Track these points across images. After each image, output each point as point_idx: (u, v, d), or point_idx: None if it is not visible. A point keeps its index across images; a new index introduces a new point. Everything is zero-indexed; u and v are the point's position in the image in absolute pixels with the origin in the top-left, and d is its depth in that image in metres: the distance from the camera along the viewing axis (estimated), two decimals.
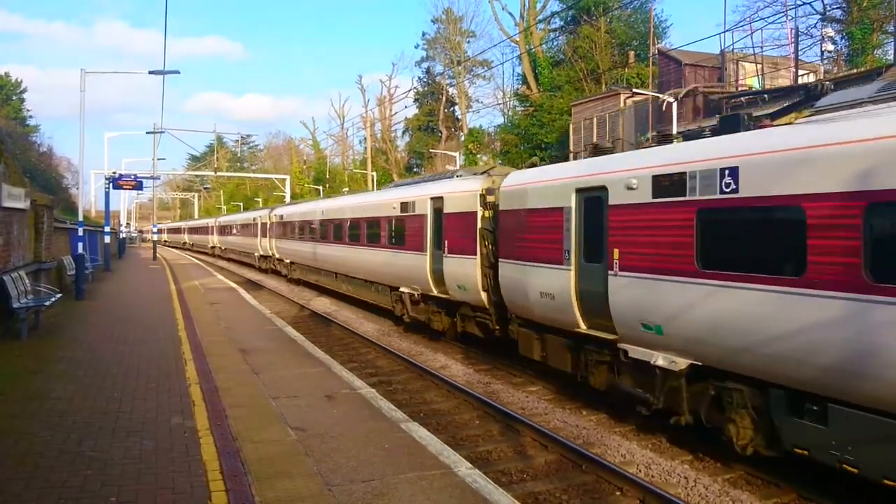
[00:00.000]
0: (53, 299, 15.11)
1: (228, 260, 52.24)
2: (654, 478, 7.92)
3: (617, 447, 8.91)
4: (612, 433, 9.52)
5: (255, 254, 40.05)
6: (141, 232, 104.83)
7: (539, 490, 7.55)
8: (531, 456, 8.65)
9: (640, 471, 8.10)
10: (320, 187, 67.94)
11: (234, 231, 48.77)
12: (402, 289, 17.19)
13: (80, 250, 24.99)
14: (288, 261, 31.97)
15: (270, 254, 35.85)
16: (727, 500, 7.31)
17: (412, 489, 5.84)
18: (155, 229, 59.39)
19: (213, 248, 59.86)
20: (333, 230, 23.64)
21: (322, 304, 24.32)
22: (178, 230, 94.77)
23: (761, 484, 7.73)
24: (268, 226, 35.98)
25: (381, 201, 19.31)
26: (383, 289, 19.01)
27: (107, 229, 34.21)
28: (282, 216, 33.04)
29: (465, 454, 7.84)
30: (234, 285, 26.87)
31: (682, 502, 7.06)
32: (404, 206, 17.15)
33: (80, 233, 26.58)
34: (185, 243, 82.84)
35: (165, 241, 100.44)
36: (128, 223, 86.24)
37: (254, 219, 40.59)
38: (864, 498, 7.02)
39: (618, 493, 7.45)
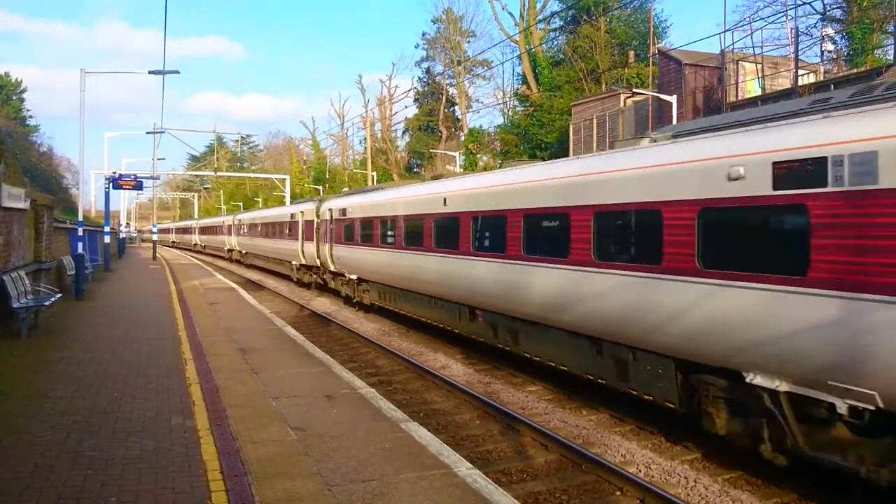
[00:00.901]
0: (53, 299, 15.11)
1: (251, 267, 42.56)
2: (654, 478, 7.92)
3: (617, 447, 8.91)
4: (612, 433, 9.52)
5: (294, 262, 30.25)
6: (140, 232, 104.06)
7: (539, 490, 7.55)
8: (531, 456, 8.65)
9: (640, 471, 8.10)
10: (320, 187, 67.95)
11: (262, 231, 37.87)
12: (758, 380, 7.11)
13: (80, 250, 25.01)
14: (353, 277, 21.71)
15: (318, 263, 25.94)
16: (727, 500, 7.31)
17: (412, 489, 5.84)
18: (155, 229, 59.31)
19: (230, 251, 50.38)
20: (482, 233, 13.09)
21: (322, 304, 24.31)
22: (187, 230, 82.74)
23: (762, 484, 7.72)
24: (315, 225, 26.23)
25: (692, 163, 7.95)
26: (659, 365, 8.74)
27: (107, 229, 34.22)
28: (344, 210, 22.31)
29: (466, 454, 7.84)
30: (233, 285, 26.88)
31: (682, 502, 7.06)
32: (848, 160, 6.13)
33: (80, 233, 26.60)
34: (195, 245, 71.78)
35: (174, 241, 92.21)
36: (127, 223, 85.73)
37: (292, 215, 30.48)
38: (864, 498, 7.02)
39: (618, 492, 7.45)
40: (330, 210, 24.14)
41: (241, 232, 45.08)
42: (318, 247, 25.84)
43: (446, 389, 11.82)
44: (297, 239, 28.93)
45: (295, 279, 30.89)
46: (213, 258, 57.36)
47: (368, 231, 19.85)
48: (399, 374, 13.31)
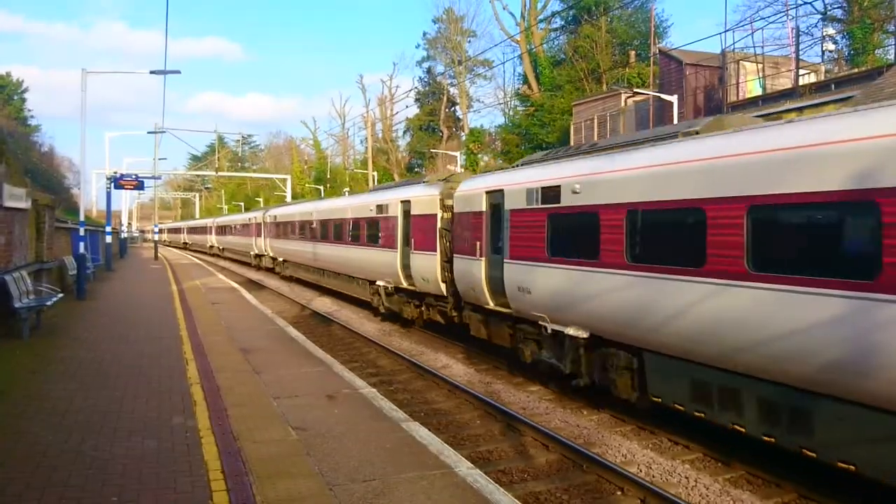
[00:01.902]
0: (55, 299, 15.12)
1: (292, 281, 32.37)
2: (655, 477, 7.93)
3: (618, 447, 8.92)
4: (612, 433, 9.53)
5: (382, 284, 18.90)
6: (143, 232, 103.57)
7: (540, 490, 7.56)
8: (532, 456, 8.66)
9: (640, 470, 8.10)
10: (321, 187, 67.99)
11: (315, 233, 26.41)
12: None
13: (82, 250, 25.04)
14: (579, 333, 10.27)
15: (443, 290, 15.49)
16: (728, 500, 7.31)
17: (413, 489, 5.85)
18: (156, 229, 59.36)
19: (258, 257, 40.22)
20: None
21: (323, 304, 24.32)
22: (202, 230, 69.08)
23: (762, 483, 7.73)
24: (439, 221, 15.56)
25: None
26: None
27: (108, 229, 34.28)
28: (571, 189, 10.35)
29: (466, 454, 7.85)
30: (235, 285, 26.90)
31: (682, 502, 7.06)
32: None
33: (82, 232, 26.62)
34: (211, 247, 60.93)
35: (186, 242, 79.88)
36: (129, 223, 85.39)
37: (381, 207, 19.16)
38: (864, 498, 7.02)
39: (619, 492, 7.46)
40: (491, 194, 12.84)
41: (279, 233, 33.55)
42: (443, 260, 15.23)
43: (447, 389, 11.83)
44: (394, 246, 17.87)
45: (383, 309, 19.26)
46: (237, 265, 46.28)
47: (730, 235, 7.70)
48: (400, 373, 13.32)
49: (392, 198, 18.55)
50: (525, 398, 11.41)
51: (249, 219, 42.84)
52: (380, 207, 19.21)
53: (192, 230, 78.07)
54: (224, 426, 7.47)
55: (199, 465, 6.28)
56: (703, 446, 8.74)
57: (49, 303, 14.45)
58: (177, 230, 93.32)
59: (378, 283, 19.22)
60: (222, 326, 15.18)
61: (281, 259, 33.91)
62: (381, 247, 18.94)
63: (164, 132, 43.90)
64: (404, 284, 17.52)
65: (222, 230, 54.89)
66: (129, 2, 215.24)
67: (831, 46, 27.85)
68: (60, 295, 16.06)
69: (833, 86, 22.71)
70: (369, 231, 20.01)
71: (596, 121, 33.56)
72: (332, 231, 24.13)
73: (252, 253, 41.21)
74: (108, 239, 34.12)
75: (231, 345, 12.78)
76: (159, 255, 48.98)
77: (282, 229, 32.97)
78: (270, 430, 7.43)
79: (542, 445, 8.88)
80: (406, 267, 17.23)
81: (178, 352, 11.83)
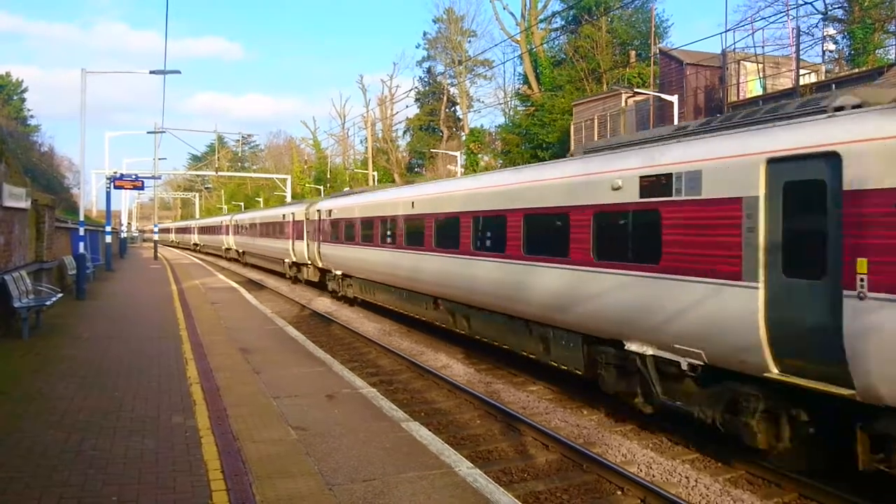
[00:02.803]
0: (55, 299, 15.12)
1: (354, 303, 23.35)
2: (655, 477, 7.92)
3: (618, 447, 8.91)
4: (612, 433, 9.53)
5: (649, 352, 8.87)
6: (142, 232, 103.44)
7: (540, 489, 7.55)
8: (532, 455, 8.65)
9: (640, 470, 8.10)
10: (321, 187, 68.00)
11: (430, 236, 15.27)
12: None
13: (82, 250, 25.03)
14: None
15: None
16: (728, 500, 7.31)
17: (413, 488, 5.84)
18: (156, 229, 59.30)
19: (295, 265, 30.72)
20: None
21: (323, 304, 24.31)
22: (215, 229, 57.46)
23: (762, 484, 7.73)
24: None
25: None
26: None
27: (108, 229, 34.27)
28: None
29: (466, 453, 7.85)
30: (235, 285, 26.89)
31: (683, 502, 7.05)
32: None
33: (82, 232, 26.60)
34: (227, 250, 50.98)
35: (196, 244, 68.99)
36: (129, 223, 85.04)
37: (796, 159, 6.83)
38: (866, 498, 7.01)
39: (619, 492, 7.45)
40: None
41: (339, 235, 23.16)
42: None
43: (447, 389, 11.82)
44: (736, 272, 7.42)
45: (645, 406, 9.41)
46: (275, 275, 35.30)
47: None
48: (400, 373, 13.32)
49: (720, 157, 7.91)
50: (525, 398, 11.40)
51: (284, 215, 31.77)
52: (656, 184, 8.76)
53: (203, 230, 65.55)
54: (223, 426, 7.46)
55: (199, 464, 6.27)
56: (703, 446, 8.73)
57: (49, 303, 14.44)
58: (185, 230, 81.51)
59: (635, 347, 9.14)
60: (222, 326, 15.17)
61: (338, 273, 23.79)
62: (659, 272, 8.60)
63: (164, 132, 43.97)
64: (773, 371, 7.18)
65: (243, 230, 43.36)
66: (130, 2, 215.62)
67: (832, 46, 27.85)
68: (60, 295, 16.06)
69: (834, 86, 22.69)
70: (606, 237, 9.75)
71: (596, 121, 33.55)
72: (471, 234, 13.53)
73: (287, 261, 31.03)
74: (108, 239, 34.11)
75: (231, 345, 12.77)
76: (159, 255, 48.97)
77: (346, 229, 22.30)
78: (270, 429, 7.42)
79: (542, 445, 8.88)
80: (796, 327, 6.96)
81: (178, 351, 11.83)
